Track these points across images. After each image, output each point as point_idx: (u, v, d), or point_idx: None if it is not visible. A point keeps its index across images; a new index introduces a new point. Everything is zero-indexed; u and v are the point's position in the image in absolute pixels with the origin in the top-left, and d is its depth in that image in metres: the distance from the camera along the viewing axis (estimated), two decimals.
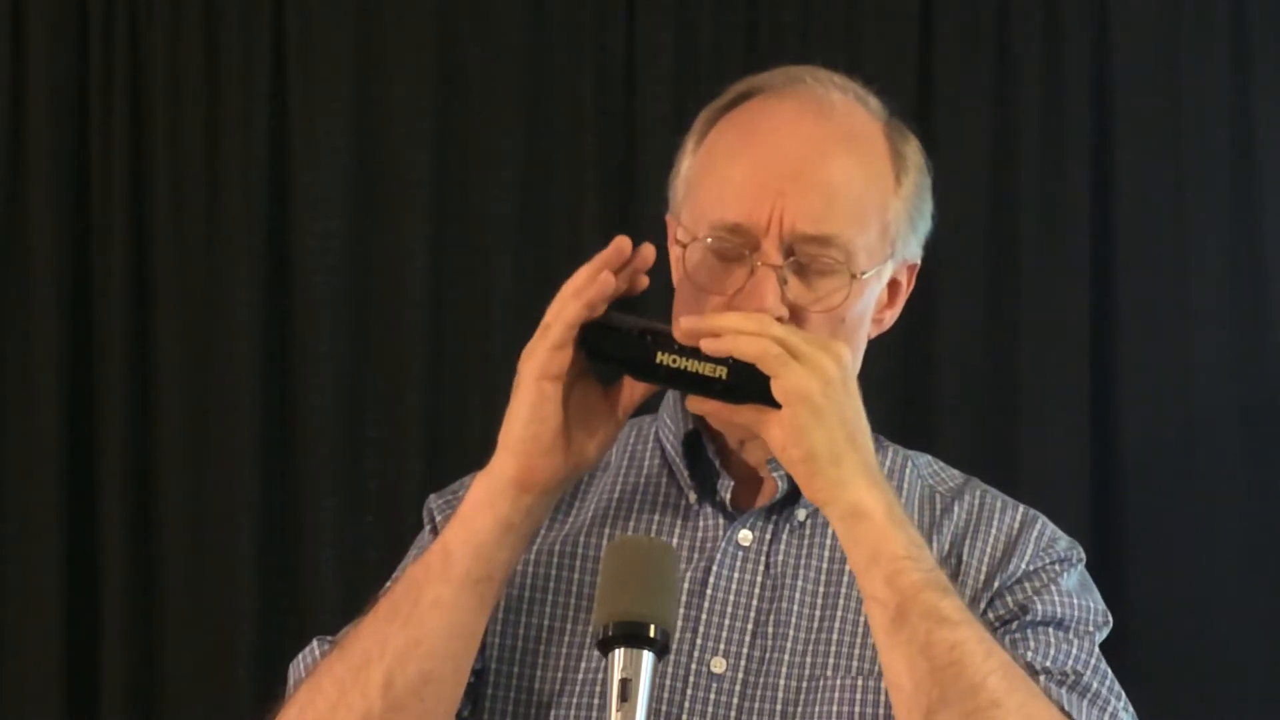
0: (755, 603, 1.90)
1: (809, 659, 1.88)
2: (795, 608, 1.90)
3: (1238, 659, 3.28)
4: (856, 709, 1.86)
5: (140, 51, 3.39)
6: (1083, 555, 1.97)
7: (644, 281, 1.85)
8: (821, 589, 1.91)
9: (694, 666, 1.88)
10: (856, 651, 1.88)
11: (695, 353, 1.82)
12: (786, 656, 1.88)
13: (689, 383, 1.84)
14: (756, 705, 1.87)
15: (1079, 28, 3.35)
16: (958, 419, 3.33)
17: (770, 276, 1.85)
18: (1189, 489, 3.31)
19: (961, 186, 3.28)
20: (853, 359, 1.85)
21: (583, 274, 1.82)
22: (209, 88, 3.39)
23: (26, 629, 3.36)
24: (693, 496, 1.94)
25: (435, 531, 1.95)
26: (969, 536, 1.95)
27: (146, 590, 3.36)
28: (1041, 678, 1.83)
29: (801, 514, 1.93)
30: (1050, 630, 1.89)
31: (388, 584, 1.90)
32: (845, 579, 1.90)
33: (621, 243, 1.83)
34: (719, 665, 1.88)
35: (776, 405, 1.79)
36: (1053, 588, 1.92)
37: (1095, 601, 1.94)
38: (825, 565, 1.92)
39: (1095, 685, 1.86)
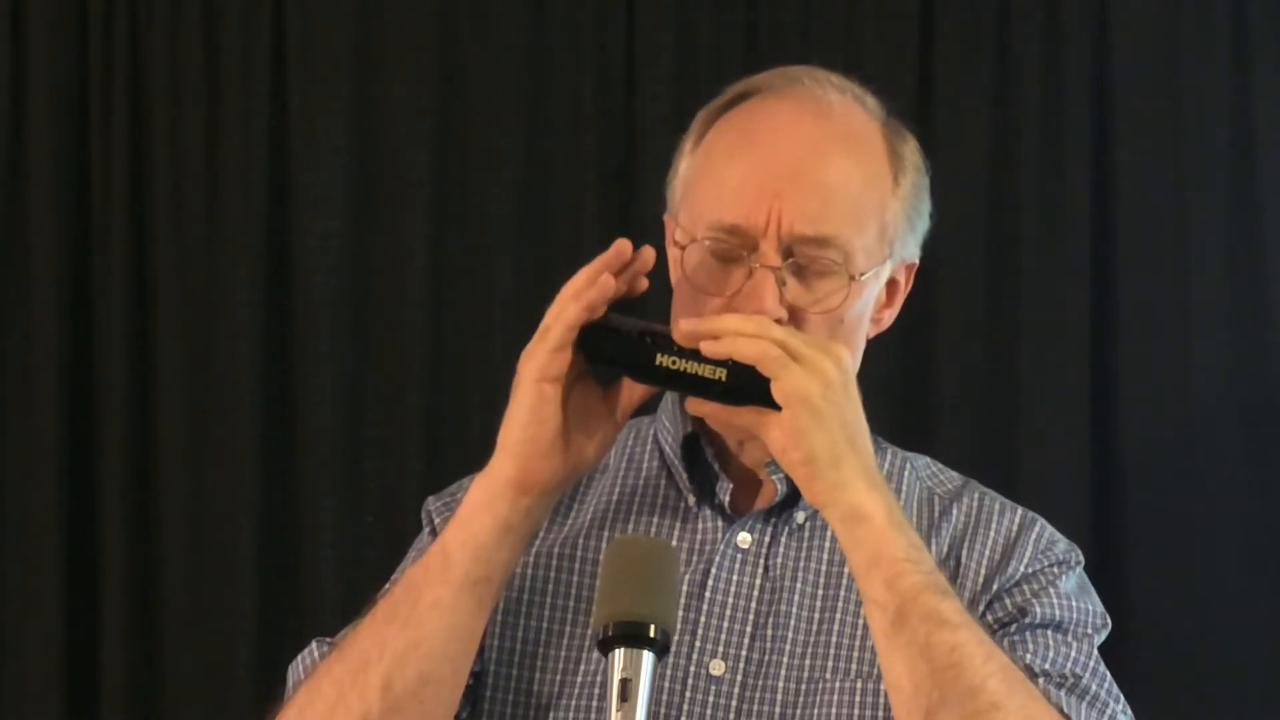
0: (754, 605, 1.90)
1: (808, 661, 1.88)
2: (794, 610, 1.90)
3: (1238, 659, 3.28)
4: (856, 711, 1.86)
5: (140, 51, 3.39)
6: (1081, 558, 1.97)
7: (644, 284, 1.85)
8: (820, 591, 1.91)
9: (693, 669, 1.88)
10: (856, 654, 1.88)
11: (695, 354, 1.82)
12: (785, 659, 1.88)
13: (688, 384, 1.84)
14: (755, 708, 1.87)
15: (1079, 28, 3.35)
16: (957, 419, 3.33)
17: (769, 278, 1.84)
18: (1189, 489, 3.31)
19: (961, 186, 3.28)
20: (852, 360, 1.85)
21: (582, 276, 1.82)
22: (209, 88, 3.39)
23: (26, 629, 3.36)
24: (691, 499, 1.94)
25: (434, 533, 1.94)
26: (967, 539, 1.95)
27: (146, 590, 3.37)
28: (1040, 680, 1.83)
29: (800, 516, 1.93)
30: (1049, 633, 1.88)
31: (386, 586, 1.90)
32: (844, 581, 1.90)
33: (622, 245, 1.83)
34: (718, 667, 1.88)
35: (776, 407, 1.79)
36: (1051, 590, 1.91)
37: (1094, 604, 1.94)
38: (824, 568, 1.92)
39: (1094, 688, 1.86)
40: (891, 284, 1.96)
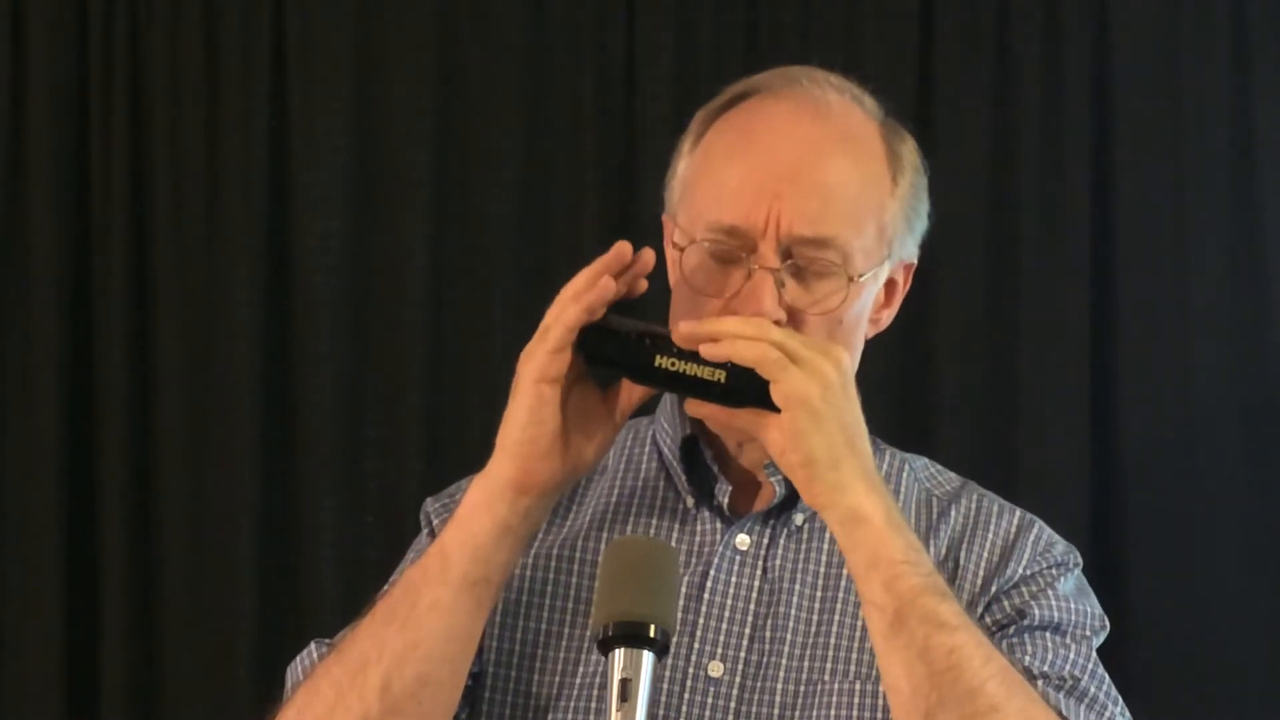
0: (753, 607, 1.90)
1: (806, 663, 1.88)
2: (793, 612, 1.90)
3: (1238, 659, 3.28)
4: (854, 713, 1.86)
5: (140, 51, 3.39)
6: (1079, 560, 1.97)
7: (643, 286, 1.85)
8: (819, 593, 1.91)
9: (691, 670, 1.88)
10: (854, 656, 1.88)
11: (694, 356, 1.82)
12: (784, 661, 1.88)
13: (688, 386, 1.84)
14: (754, 709, 1.87)
15: (1079, 28, 3.35)
16: (957, 419, 3.33)
17: (768, 279, 1.84)
18: (1189, 489, 3.31)
19: (961, 186, 3.28)
20: (851, 361, 1.85)
21: (582, 278, 1.82)
22: (209, 88, 3.39)
23: (26, 629, 3.36)
24: (690, 500, 1.94)
25: (432, 534, 1.94)
26: (966, 540, 1.95)
27: (146, 590, 3.37)
28: (1039, 682, 1.83)
29: (799, 518, 1.93)
30: (1047, 635, 1.88)
31: (385, 587, 1.90)
32: (843, 583, 1.90)
33: (622, 248, 1.83)
34: (716, 669, 1.88)
35: (775, 409, 1.79)
36: (1050, 592, 1.91)
37: (1092, 606, 1.94)
38: (823, 569, 1.92)
39: (1092, 690, 1.86)
40: (890, 284, 1.96)
